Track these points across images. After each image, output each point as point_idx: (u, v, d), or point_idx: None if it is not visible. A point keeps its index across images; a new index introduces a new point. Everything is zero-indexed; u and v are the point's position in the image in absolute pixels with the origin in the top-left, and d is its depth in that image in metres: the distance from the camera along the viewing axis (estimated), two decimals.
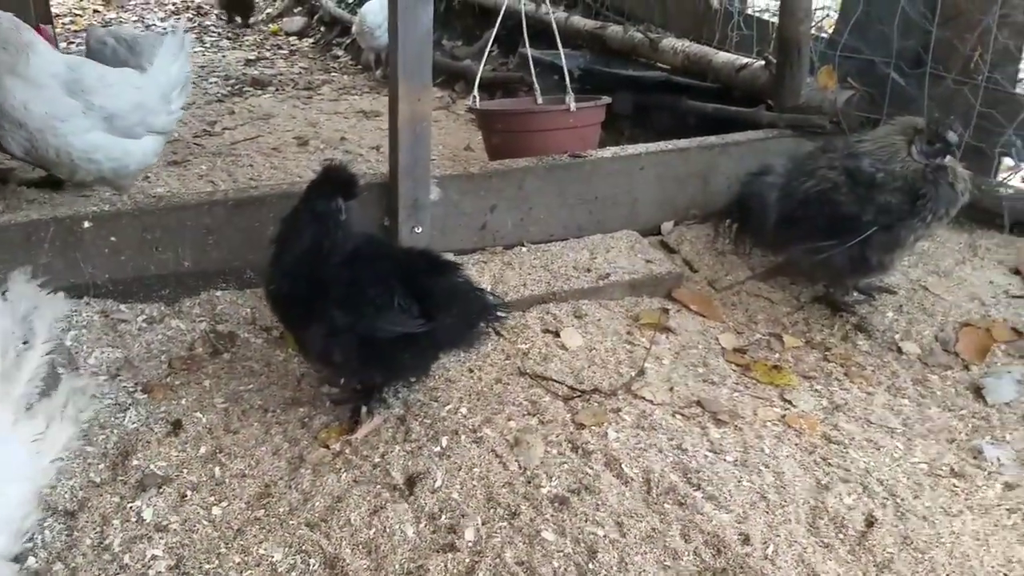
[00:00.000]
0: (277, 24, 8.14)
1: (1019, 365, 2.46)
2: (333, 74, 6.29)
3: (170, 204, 2.53)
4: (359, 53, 6.67)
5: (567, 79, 3.23)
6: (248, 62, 6.46)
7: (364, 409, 2.11)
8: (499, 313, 2.17)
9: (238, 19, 8.03)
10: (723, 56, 3.95)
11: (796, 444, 2.14)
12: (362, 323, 1.96)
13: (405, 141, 2.58)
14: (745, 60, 3.79)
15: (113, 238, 2.44)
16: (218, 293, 2.57)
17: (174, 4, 9.22)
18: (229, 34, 7.73)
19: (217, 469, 1.93)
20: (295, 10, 8.34)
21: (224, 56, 6.66)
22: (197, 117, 4.73)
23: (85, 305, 2.41)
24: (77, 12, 8.50)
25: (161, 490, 1.84)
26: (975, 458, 2.15)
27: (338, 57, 6.91)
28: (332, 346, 2.01)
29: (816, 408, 2.31)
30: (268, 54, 6.91)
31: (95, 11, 8.69)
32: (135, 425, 2.04)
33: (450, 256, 2.49)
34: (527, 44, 3.48)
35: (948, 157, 2.54)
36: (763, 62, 3.63)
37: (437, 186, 2.75)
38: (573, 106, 3.14)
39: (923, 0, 3.29)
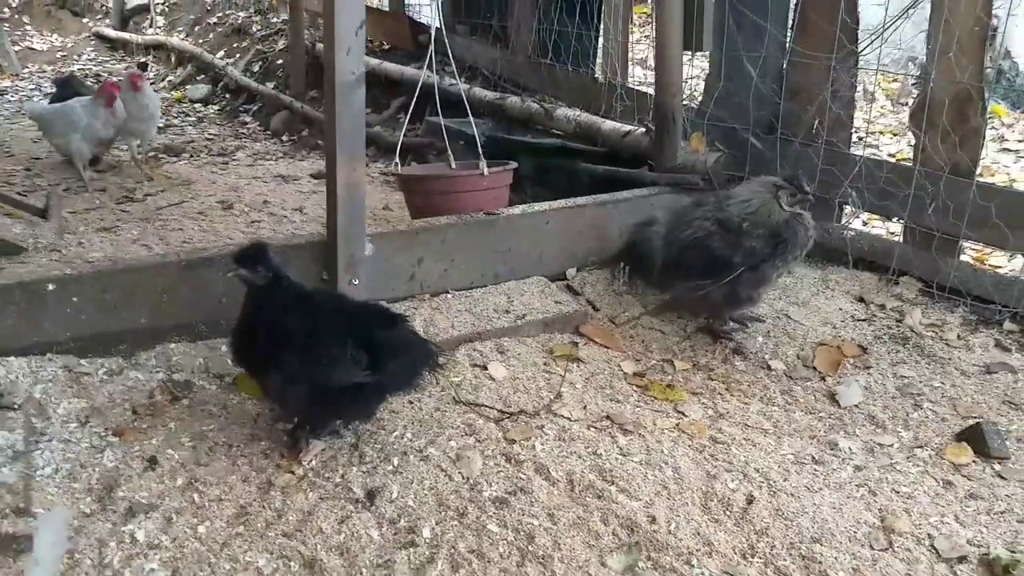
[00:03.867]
0: (181, 91, 8.31)
1: (864, 375, 2.97)
2: (245, 140, 6.55)
3: (128, 266, 2.76)
4: (268, 120, 6.97)
5: (479, 146, 3.64)
6: (158, 129, 6.61)
7: (308, 439, 2.37)
8: (439, 360, 2.49)
9: None
10: (609, 124, 4.46)
11: (689, 445, 2.55)
12: (316, 372, 2.23)
13: (343, 205, 2.90)
14: (629, 127, 4.30)
15: (75, 299, 2.65)
16: (172, 345, 2.78)
17: (71, 72, 9.20)
18: None
19: (196, 495, 2.16)
20: (198, 78, 8.54)
21: None
22: (115, 184, 4.89)
23: (48, 361, 2.59)
24: None
25: (148, 515, 2.06)
26: (831, 449, 2.59)
27: (246, 124, 7.17)
28: (288, 391, 2.30)
29: (704, 417, 2.74)
30: (176, 121, 7.09)
31: None
32: (114, 463, 2.24)
33: (394, 308, 2.81)
34: (439, 113, 3.86)
35: (801, 207, 3.04)
36: (644, 129, 4.16)
37: (370, 243, 3.06)
38: (486, 170, 3.55)
39: (772, 78, 3.91)
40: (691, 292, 3.07)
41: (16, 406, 2.34)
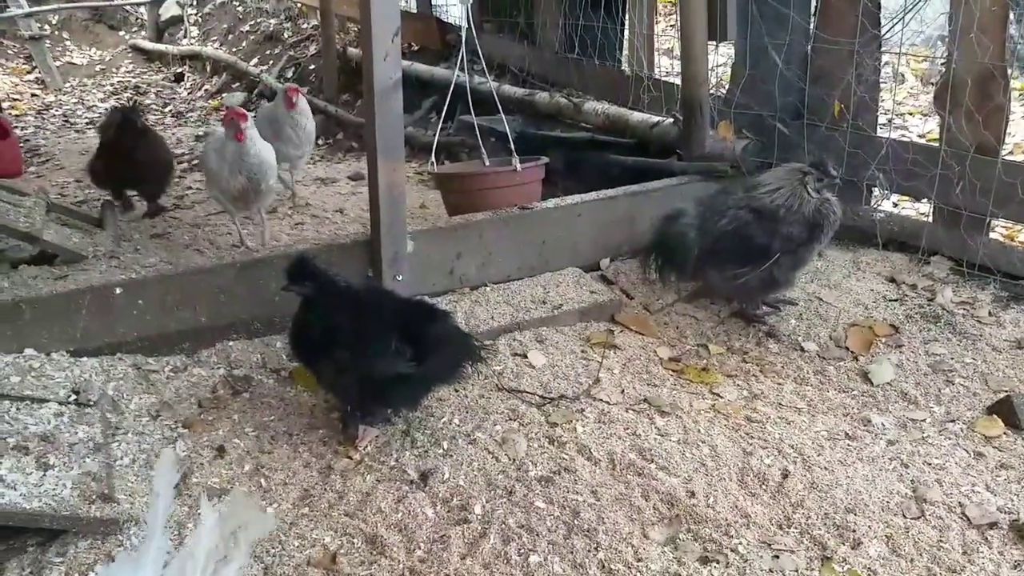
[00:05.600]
0: (218, 100, 8.54)
1: (896, 353, 3.04)
2: None
3: (187, 269, 2.95)
4: None
5: (511, 142, 3.74)
6: (198, 138, 6.82)
7: (361, 426, 2.51)
8: (482, 355, 2.60)
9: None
10: (638, 115, 4.55)
11: (725, 425, 2.65)
12: (362, 363, 2.38)
13: (385, 204, 3.05)
14: (657, 118, 4.39)
15: (140, 301, 2.83)
16: (230, 343, 2.96)
17: (112, 85, 9.49)
18: (172, 111, 8.06)
19: (262, 480, 2.33)
20: (233, 85, 8.75)
21: (173, 133, 7.00)
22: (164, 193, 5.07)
23: (118, 360, 2.77)
24: (15, 96, 8.71)
25: (222, 499, 2.22)
26: (864, 425, 2.67)
27: None
28: (339, 380, 2.47)
29: (739, 397, 2.84)
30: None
31: (33, 95, 8.91)
32: (185, 453, 2.41)
33: (435, 302, 2.94)
34: (471, 111, 3.98)
35: (828, 190, 3.13)
36: (672, 120, 4.23)
37: (411, 240, 3.20)
38: (519, 166, 3.66)
39: (796, 64, 3.96)
40: (728, 279, 3.16)
41: (92, 402, 2.51)
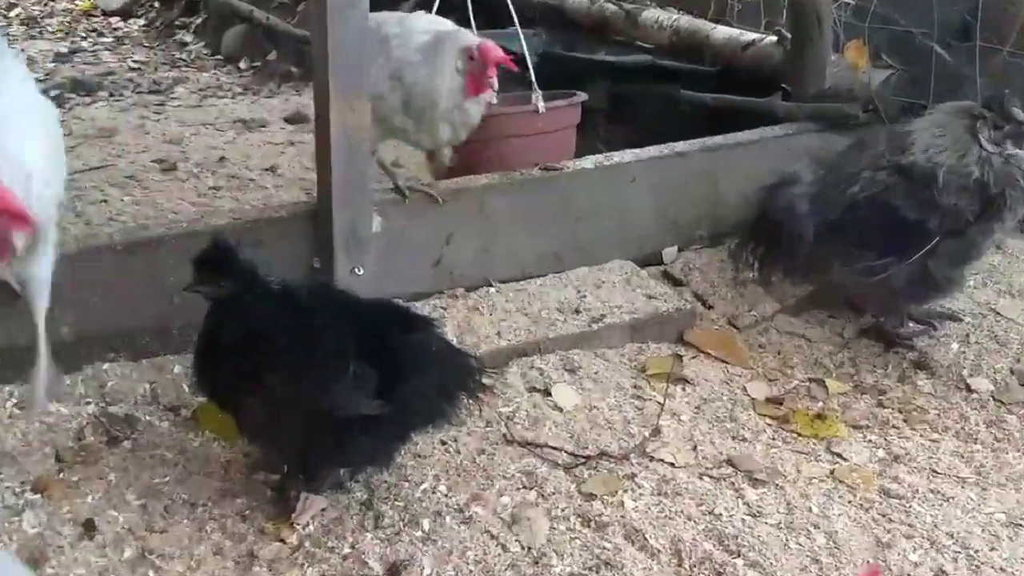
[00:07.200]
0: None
1: None
2: (185, 70, 6.73)
3: None
4: (217, 39, 7.10)
5: (530, 68, 3.69)
6: (60, 56, 6.85)
7: (302, 495, 2.50)
8: (483, 387, 2.59)
9: None
10: (723, 31, 4.54)
11: (849, 501, 2.64)
12: (305, 398, 2.37)
13: (340, 161, 3.03)
14: (752, 35, 4.38)
15: None
16: (106, 366, 2.96)
17: None
18: (24, 17, 8.05)
19: (151, 573, 2.33)
20: None
21: (23, 50, 6.98)
22: None
23: None
24: None
25: None
26: None
27: (186, 45, 7.32)
28: (272, 427, 2.45)
29: (871, 460, 2.82)
30: (86, 44, 7.28)
31: None
32: (37, 529, 2.41)
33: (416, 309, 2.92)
34: (472, 23, 3.94)
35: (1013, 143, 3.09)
36: (775, 37, 4.22)
37: (379, 214, 3.18)
38: (542, 105, 3.63)
39: None
40: (859, 276, 3.15)
41: None
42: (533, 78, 3.68)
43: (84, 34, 7.56)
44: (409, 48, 3.27)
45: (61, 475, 2.61)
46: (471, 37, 3.34)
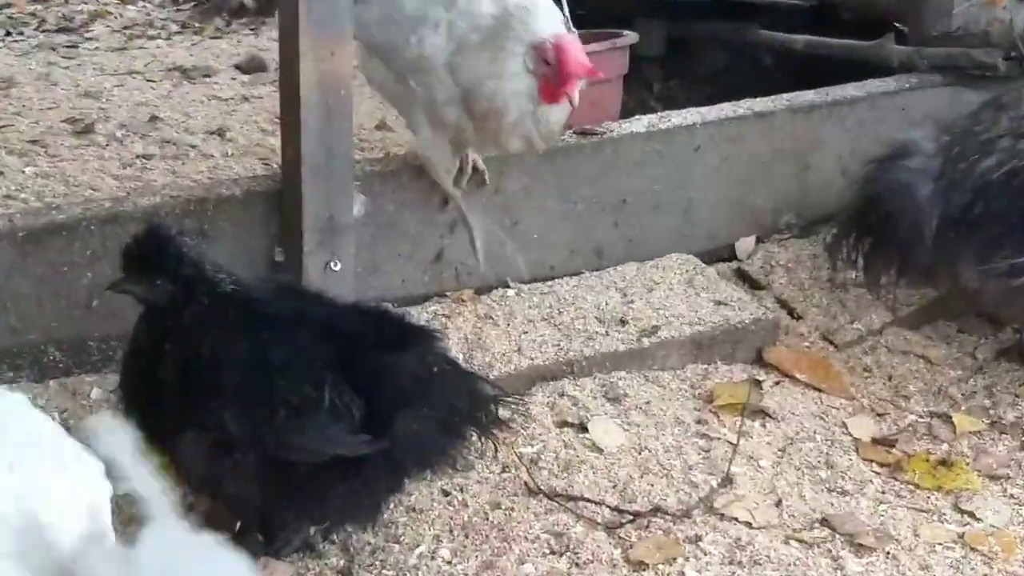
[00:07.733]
0: None
1: None
2: (106, 2, 6.50)
3: None
4: None
5: (563, 2, 3.44)
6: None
7: (263, 558, 2.37)
8: (498, 411, 2.50)
9: None
10: None
11: (985, 574, 2.46)
12: (268, 434, 2.25)
13: (313, 122, 2.85)
14: None
15: None
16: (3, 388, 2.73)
17: None
18: None
19: None
20: None
21: None
22: None
23: None
24: None
25: None
26: None
27: None
28: (222, 470, 2.28)
29: (1013, 521, 2.65)
30: None
31: None
32: None
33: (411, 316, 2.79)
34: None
35: None
36: None
37: (361, 192, 3.01)
38: None
39: None
40: (997, 278, 3.00)
41: None
42: (567, 14, 3.41)
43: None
44: (472, 19, 3.01)
45: None
46: (547, 28, 3.01)
